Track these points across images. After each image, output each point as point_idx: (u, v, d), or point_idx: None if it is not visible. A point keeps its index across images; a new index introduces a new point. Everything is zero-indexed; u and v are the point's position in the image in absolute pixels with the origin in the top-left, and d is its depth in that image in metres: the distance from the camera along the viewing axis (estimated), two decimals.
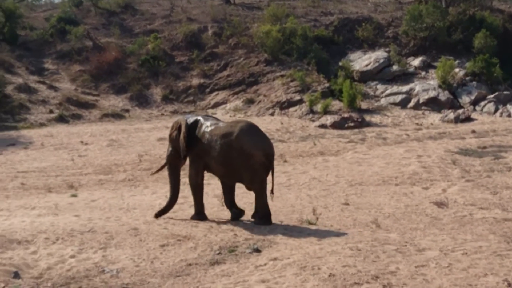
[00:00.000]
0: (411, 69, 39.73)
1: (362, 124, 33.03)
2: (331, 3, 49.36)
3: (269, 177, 14.41)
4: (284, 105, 36.34)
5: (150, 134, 31.43)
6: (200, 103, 38.87)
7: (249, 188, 14.76)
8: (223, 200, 15.46)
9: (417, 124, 33.49)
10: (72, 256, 11.92)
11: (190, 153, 15.08)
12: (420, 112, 35.62)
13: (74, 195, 19.02)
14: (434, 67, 39.40)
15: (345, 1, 50.49)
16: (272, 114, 35.86)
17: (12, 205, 17.83)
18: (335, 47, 42.12)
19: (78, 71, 41.23)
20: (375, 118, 34.29)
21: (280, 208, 16.01)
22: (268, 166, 14.48)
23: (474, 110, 35.39)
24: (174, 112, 37.72)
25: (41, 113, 36.14)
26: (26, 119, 35.27)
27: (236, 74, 40.10)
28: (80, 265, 11.48)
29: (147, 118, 36.64)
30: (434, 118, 34.41)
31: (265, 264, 10.97)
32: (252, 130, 14.72)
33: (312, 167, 22.14)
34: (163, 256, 11.82)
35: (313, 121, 33.91)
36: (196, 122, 15.28)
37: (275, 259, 11.15)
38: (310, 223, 13.92)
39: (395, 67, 39.54)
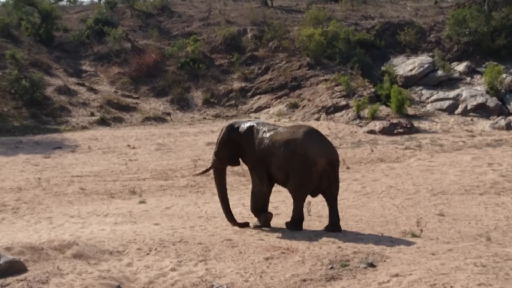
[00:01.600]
0: (456, 75, 38.86)
1: (411, 130, 32.31)
2: (370, 7, 48.64)
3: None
4: (330, 110, 35.61)
5: (196, 138, 30.84)
6: (242, 107, 38.22)
7: (289, 191, 14.38)
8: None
9: (466, 130, 32.75)
10: (173, 269, 11.22)
11: (249, 160, 14.61)
12: (468, 118, 34.80)
13: (143, 202, 18.36)
14: (479, 73, 38.68)
15: (385, 5, 49.82)
16: (317, 119, 35.14)
17: (81, 211, 17.18)
18: (377, 51, 41.38)
19: (117, 74, 40.65)
20: (423, 124, 33.51)
21: (371, 218, 15.28)
22: (330, 173, 13.94)
23: None
24: (216, 116, 37.11)
25: (82, 115, 35.56)
26: (68, 121, 34.71)
27: (278, 78, 39.41)
28: (184, 279, 10.77)
29: (190, 122, 36.02)
30: (484, 124, 33.60)
31: (388, 281, 10.21)
32: (316, 135, 14.24)
33: (381, 174, 21.39)
34: (270, 270, 11.08)
35: (361, 126, 33.18)
36: (251, 127, 14.74)
37: (396, 275, 10.38)
38: (413, 235, 13.13)
39: (440, 72, 38.75)
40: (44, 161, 26.28)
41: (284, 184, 14.64)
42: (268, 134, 14.41)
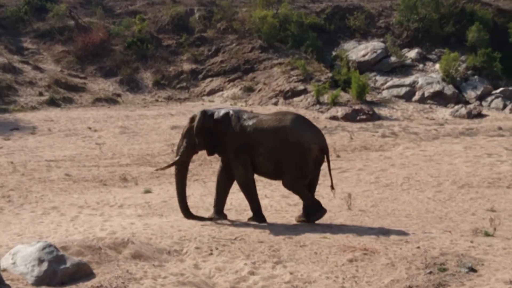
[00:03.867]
0: (408, 61, 38.57)
1: (373, 117, 31.87)
2: None
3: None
4: (288, 95, 34.82)
5: (158, 121, 29.76)
6: (194, 90, 37.07)
7: (286, 186, 13.52)
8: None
9: (427, 118, 32.49)
10: (251, 273, 10.18)
11: (230, 149, 13.54)
12: (427, 106, 34.57)
13: (148, 191, 17.21)
14: (430, 60, 38.56)
15: None
16: (275, 104, 34.32)
17: (88, 201, 15.99)
18: (326, 35, 40.67)
19: (61, 52, 38.82)
20: (384, 111, 33.09)
21: (419, 214, 14.46)
22: (321, 161, 13.29)
23: (481, 105, 34.41)
24: (169, 99, 35.90)
25: (30, 95, 33.81)
26: (16, 101, 32.94)
27: (230, 60, 38.34)
28: (271, 285, 9.79)
29: (143, 104, 34.74)
30: (443, 112, 33.42)
31: None
32: (305, 121, 13.59)
33: (383, 164, 20.73)
34: (362, 274, 10.14)
35: (322, 112, 32.55)
36: (228, 115, 13.74)
37: (510, 282, 9.60)
38: (487, 234, 12.38)
39: (393, 59, 38.39)
40: (6, 143, 24.79)
41: (270, 175, 13.92)
42: (250, 122, 13.47)
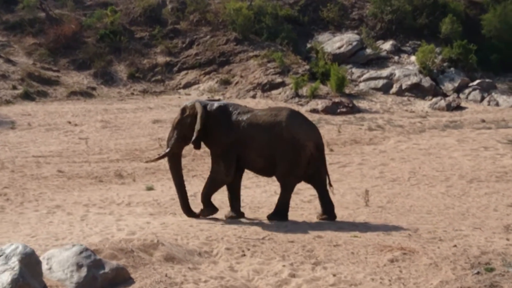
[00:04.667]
0: (383, 53, 38.47)
1: (353, 109, 31.76)
2: None
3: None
4: (266, 87, 34.52)
5: (137, 115, 29.31)
6: (170, 83, 36.55)
7: (278, 180, 13.25)
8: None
9: (406, 110, 32.54)
10: (292, 275, 9.73)
11: (217, 144, 13.17)
12: (405, 98, 34.54)
13: (151, 188, 16.77)
14: (405, 52, 38.54)
15: None
16: (254, 97, 34.01)
17: (91, 199, 15.52)
18: (300, 27, 40.35)
19: (32, 44, 37.93)
20: (363, 104, 32.98)
21: (441, 210, 14.15)
22: (317, 157, 12.99)
23: (459, 97, 34.43)
24: (144, 92, 35.33)
25: (4, 88, 33.02)
26: None
27: (204, 52, 37.85)
28: None
29: (119, 98, 34.14)
30: (422, 105, 33.44)
31: None
32: (301, 117, 13.23)
33: (381, 158, 20.57)
34: (406, 275, 9.71)
35: (301, 105, 32.26)
36: (221, 108, 13.35)
37: None
38: None
39: (368, 51, 38.25)
40: None
41: (262, 172, 13.58)
42: (244, 117, 13.09)
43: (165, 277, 9.22)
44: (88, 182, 17.99)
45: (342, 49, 38.14)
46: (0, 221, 13.50)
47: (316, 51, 38.09)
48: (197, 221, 12.88)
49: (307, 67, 35.79)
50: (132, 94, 34.93)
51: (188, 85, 36.18)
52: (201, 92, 35.06)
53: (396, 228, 12.23)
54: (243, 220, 13.17)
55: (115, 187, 17.26)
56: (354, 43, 38.31)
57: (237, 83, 35.44)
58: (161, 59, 37.75)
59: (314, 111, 31.24)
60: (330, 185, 13.30)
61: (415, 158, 20.21)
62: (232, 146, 13.02)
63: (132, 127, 26.92)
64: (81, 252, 9.02)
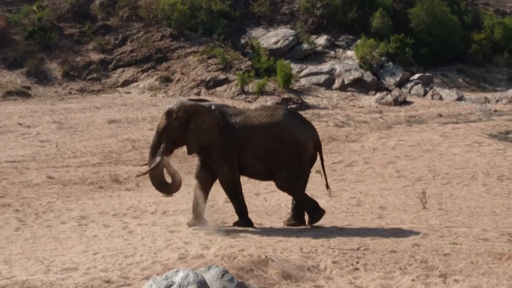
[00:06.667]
0: (319, 48, 38.22)
1: (302, 105, 31.28)
2: None
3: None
4: (210, 84, 33.68)
5: (87, 115, 28.10)
6: (107, 81, 35.13)
7: (281, 187, 12.61)
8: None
9: (354, 106, 32.33)
10: None
11: (211, 148, 12.48)
12: (349, 93, 34.29)
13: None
14: (340, 46, 38.45)
15: None
16: (198, 94, 33.10)
17: (116, 208, 14.45)
18: (232, 23, 39.61)
19: None
20: (309, 100, 32.60)
21: (505, 212, 13.64)
22: (315, 158, 12.62)
23: (402, 92, 34.46)
24: (82, 91, 33.80)
25: None
26: None
27: (140, 49, 36.61)
28: None
29: (59, 97, 32.52)
30: (368, 100, 33.32)
31: None
32: (298, 117, 12.77)
33: (380, 156, 20.08)
34: None
35: (250, 102, 31.61)
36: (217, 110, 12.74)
37: None
38: None
39: (305, 46, 37.91)
40: None
41: (260, 176, 13.02)
42: (237, 119, 12.45)
43: None
44: (89, 188, 16.96)
45: (278, 44, 37.67)
46: (32, 236, 12.38)
47: (252, 46, 37.45)
48: (267, 231, 12.08)
49: (249, 63, 35.10)
50: (70, 93, 33.41)
51: (126, 83, 34.92)
52: (141, 90, 33.95)
53: (484, 233, 11.67)
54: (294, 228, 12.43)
55: (124, 193, 16.28)
56: (291, 38, 37.89)
57: (178, 80, 34.44)
58: (94, 57, 36.30)
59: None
60: (328, 187, 12.82)
61: (419, 155, 19.81)
62: (227, 147, 12.39)
63: (88, 128, 25.74)
64: (222, 276, 8.11)
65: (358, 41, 38.29)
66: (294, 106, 30.85)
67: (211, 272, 8.14)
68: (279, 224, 12.73)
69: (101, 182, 17.50)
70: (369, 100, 33.26)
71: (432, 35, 39.42)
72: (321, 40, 38.75)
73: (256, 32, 39.01)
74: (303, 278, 9.28)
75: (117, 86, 34.72)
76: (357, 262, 9.95)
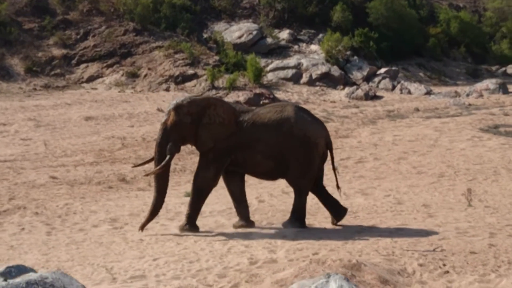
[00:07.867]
0: (283, 42, 38.04)
1: (274, 100, 30.97)
2: None
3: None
4: (179, 80, 33.20)
5: (61, 112, 27.59)
6: (71, 77, 34.33)
7: (291, 182, 12.32)
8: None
9: (324, 100, 32.26)
10: None
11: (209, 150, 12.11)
12: (317, 88, 34.19)
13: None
14: (302, 41, 38.33)
15: None
16: (167, 90, 32.67)
17: (145, 210, 13.83)
18: (193, 17, 39.11)
19: None
20: (279, 94, 32.47)
21: None
22: (326, 156, 12.33)
23: (371, 86, 34.49)
24: (47, 87, 32.95)
25: None
26: None
27: (103, 44, 35.86)
28: None
29: (25, 94, 31.63)
30: (338, 94, 33.33)
31: None
32: (308, 113, 12.39)
33: (385, 151, 19.78)
34: None
35: (221, 97, 31.09)
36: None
37: None
38: None
39: (269, 40, 37.68)
40: None
41: (269, 176, 12.64)
42: (246, 117, 12.02)
43: None
44: (98, 189, 16.32)
45: (242, 39, 37.38)
46: (72, 241, 11.84)
47: (215, 41, 37.05)
48: (318, 232, 11.77)
49: (217, 57, 34.73)
50: (35, 89, 32.53)
51: (91, 79, 34.19)
52: (107, 86, 33.34)
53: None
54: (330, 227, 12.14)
55: (142, 194, 15.70)
56: (254, 32, 37.63)
57: (146, 75, 33.86)
58: (56, 52, 35.41)
59: (237, 103, 30.24)
60: (338, 188, 12.43)
61: (428, 151, 19.48)
62: (225, 150, 11.97)
63: (66, 125, 25.15)
64: (341, 286, 7.57)
65: (321, 35, 38.29)
66: (266, 101, 30.54)
67: (332, 281, 7.57)
68: (327, 224, 12.37)
69: (109, 182, 16.90)
70: (339, 94, 33.23)
71: (391, 29, 39.59)
72: (284, 34, 38.58)
73: (218, 27, 38.63)
74: (397, 282, 8.95)
75: (82, 82, 34.01)
76: (444, 265, 9.57)
